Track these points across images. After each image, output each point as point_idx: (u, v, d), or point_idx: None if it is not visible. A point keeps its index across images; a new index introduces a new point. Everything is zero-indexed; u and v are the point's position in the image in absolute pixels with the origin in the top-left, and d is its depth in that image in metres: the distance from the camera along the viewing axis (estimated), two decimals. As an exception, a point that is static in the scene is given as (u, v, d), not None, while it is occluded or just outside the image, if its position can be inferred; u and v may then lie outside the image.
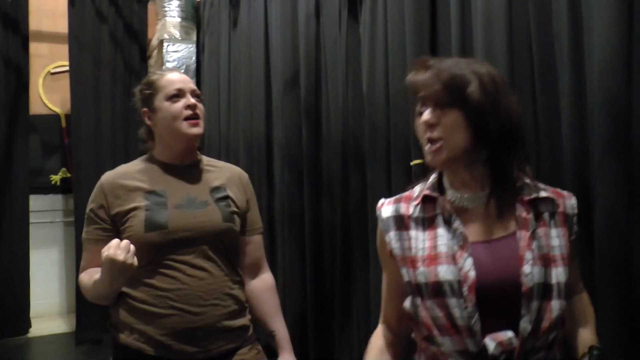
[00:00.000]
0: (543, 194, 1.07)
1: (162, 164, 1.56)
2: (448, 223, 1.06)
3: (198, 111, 1.53)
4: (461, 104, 1.04)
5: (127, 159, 4.59)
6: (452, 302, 1.01)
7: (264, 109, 3.54)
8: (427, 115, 1.06)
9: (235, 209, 1.57)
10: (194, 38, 5.09)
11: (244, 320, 1.54)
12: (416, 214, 1.11)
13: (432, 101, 1.06)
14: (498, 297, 1.00)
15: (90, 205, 1.52)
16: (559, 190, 1.13)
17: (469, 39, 2.01)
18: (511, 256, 1.02)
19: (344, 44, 2.74)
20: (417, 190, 1.15)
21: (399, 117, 2.33)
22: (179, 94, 1.53)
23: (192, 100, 1.53)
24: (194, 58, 5.01)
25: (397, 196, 1.18)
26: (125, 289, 1.46)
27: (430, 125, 1.06)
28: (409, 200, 1.15)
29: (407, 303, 1.10)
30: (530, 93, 1.73)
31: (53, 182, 5.07)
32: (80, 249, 4.57)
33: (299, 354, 1.74)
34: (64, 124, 5.16)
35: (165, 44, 4.91)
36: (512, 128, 1.07)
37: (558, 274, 1.02)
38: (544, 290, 1.00)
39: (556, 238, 1.05)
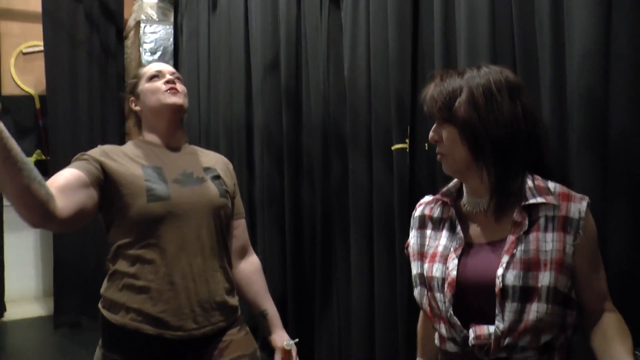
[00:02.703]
0: (539, 199, 1.08)
1: (153, 145, 1.58)
2: (452, 227, 1.17)
3: (177, 86, 1.58)
4: (453, 120, 1.11)
5: (104, 140, 4.57)
6: (438, 295, 1.13)
7: (244, 93, 3.53)
8: (431, 132, 1.17)
9: (228, 189, 1.61)
10: (172, 19, 5.00)
11: (234, 301, 1.56)
12: (434, 215, 1.23)
13: (435, 117, 1.16)
14: (475, 296, 1.09)
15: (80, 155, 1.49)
16: (570, 192, 1.12)
17: (451, 25, 2.03)
18: (494, 259, 1.08)
19: (325, 28, 2.73)
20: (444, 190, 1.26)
21: (380, 103, 2.35)
22: (158, 75, 1.60)
23: (169, 76, 1.60)
24: (171, 40, 4.93)
25: (436, 195, 1.27)
26: (120, 267, 1.44)
27: (435, 141, 1.16)
28: (435, 200, 1.26)
29: (415, 293, 1.21)
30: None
31: (27, 165, 4.98)
32: (56, 233, 4.48)
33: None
34: (38, 105, 5.07)
35: (142, 25, 4.83)
36: (508, 137, 1.08)
37: (544, 277, 1.03)
38: (524, 293, 1.03)
39: (550, 242, 1.05)
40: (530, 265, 1.03)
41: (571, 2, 1.54)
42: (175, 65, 4.86)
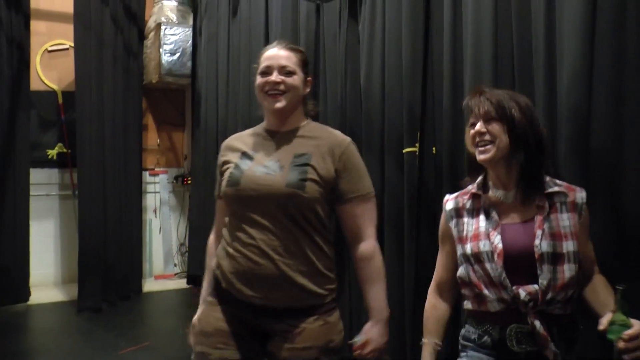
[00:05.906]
0: (556, 188, 1.47)
1: (266, 129, 1.70)
2: (487, 212, 1.50)
3: (281, 87, 1.61)
4: (505, 118, 1.45)
5: (126, 136, 4.81)
6: (488, 266, 1.45)
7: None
8: (478, 125, 1.48)
9: (314, 177, 1.58)
10: (190, 22, 5.26)
11: (311, 285, 1.57)
12: (467, 205, 1.56)
13: (483, 117, 1.47)
14: (520, 262, 1.42)
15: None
16: (573, 186, 1.50)
17: (459, 43, 2.29)
18: (529, 234, 1.44)
19: (343, 40, 2.99)
20: (469, 187, 1.59)
21: (394, 110, 2.61)
22: (267, 71, 1.63)
23: (273, 78, 1.62)
24: (190, 41, 5.19)
25: (457, 192, 1.62)
26: (224, 234, 1.69)
27: (481, 134, 1.47)
28: (464, 195, 1.59)
29: (461, 271, 1.54)
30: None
31: (50, 157, 5.23)
32: (81, 223, 4.70)
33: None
34: (60, 100, 5.31)
35: (163, 27, 5.08)
36: (542, 142, 1.47)
37: (568, 245, 1.41)
38: (554, 257, 1.40)
39: (566, 220, 1.44)
40: (555, 237, 1.41)
41: (562, 30, 1.81)
42: (194, 66, 5.12)
